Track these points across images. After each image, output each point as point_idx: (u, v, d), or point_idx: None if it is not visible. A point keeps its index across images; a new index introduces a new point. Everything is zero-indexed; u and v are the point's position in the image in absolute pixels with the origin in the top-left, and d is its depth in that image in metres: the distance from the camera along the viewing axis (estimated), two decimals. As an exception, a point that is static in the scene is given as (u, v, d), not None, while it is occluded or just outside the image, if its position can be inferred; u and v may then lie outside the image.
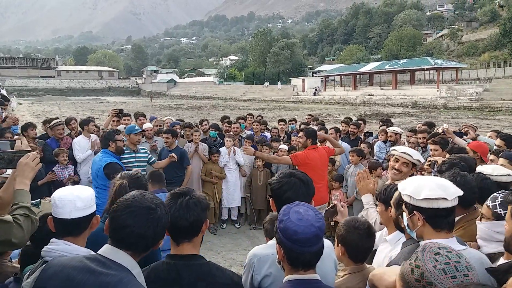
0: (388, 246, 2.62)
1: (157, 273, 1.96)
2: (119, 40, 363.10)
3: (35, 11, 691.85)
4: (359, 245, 2.39)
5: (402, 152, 3.67)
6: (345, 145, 7.32)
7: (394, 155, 3.80)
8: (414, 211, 2.02)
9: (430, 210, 1.97)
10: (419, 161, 3.53)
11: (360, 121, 8.67)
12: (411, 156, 3.60)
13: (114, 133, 5.38)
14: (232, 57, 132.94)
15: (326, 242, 2.35)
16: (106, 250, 1.75)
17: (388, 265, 2.21)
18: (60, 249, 1.97)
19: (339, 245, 2.44)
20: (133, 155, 5.96)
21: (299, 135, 6.40)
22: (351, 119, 9.23)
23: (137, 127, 6.27)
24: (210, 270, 2.00)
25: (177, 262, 1.97)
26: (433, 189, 1.96)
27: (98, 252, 1.76)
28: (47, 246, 2.01)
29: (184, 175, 6.91)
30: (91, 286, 1.61)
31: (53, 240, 2.03)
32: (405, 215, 2.11)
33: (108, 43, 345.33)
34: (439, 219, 1.99)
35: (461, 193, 2.02)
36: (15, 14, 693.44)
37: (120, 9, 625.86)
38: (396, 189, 2.49)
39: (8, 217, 1.96)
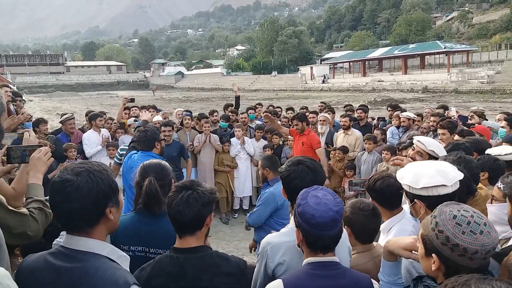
0: (382, 235, 2.62)
1: (161, 267, 1.96)
2: (126, 34, 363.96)
3: (43, 8, 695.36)
4: (364, 226, 2.45)
5: (417, 141, 3.57)
6: (357, 132, 7.28)
7: (413, 143, 3.73)
8: (415, 200, 2.01)
9: (431, 197, 1.95)
10: (433, 151, 3.37)
11: (364, 107, 8.51)
12: (424, 145, 3.48)
13: (158, 131, 4.38)
14: (239, 47, 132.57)
15: None
16: (66, 239, 1.59)
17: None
18: None
19: (345, 226, 2.46)
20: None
21: (294, 122, 6.58)
22: (351, 106, 9.29)
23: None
24: (213, 261, 1.98)
25: (180, 256, 1.96)
26: (432, 176, 1.94)
27: (62, 243, 1.61)
28: (56, 239, 2.07)
29: (184, 169, 6.88)
30: None
31: (62, 233, 2.02)
32: (407, 202, 2.11)
33: (115, 37, 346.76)
34: None
35: (461, 176, 1.99)
36: (24, 11, 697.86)
37: (126, 3, 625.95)
38: (379, 179, 2.55)
39: (24, 210, 1.99)
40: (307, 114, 8.70)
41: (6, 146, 2.17)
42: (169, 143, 6.14)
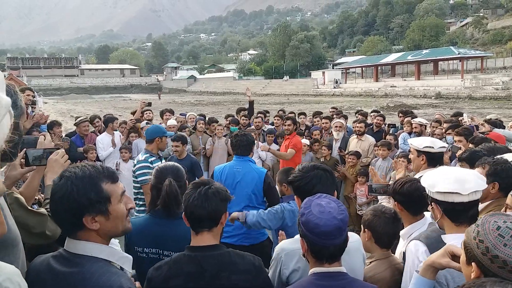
0: (401, 241, 2.62)
1: (179, 267, 1.96)
2: (140, 38, 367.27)
3: (58, 12, 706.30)
4: (386, 230, 2.43)
5: (411, 144, 3.60)
6: (370, 138, 7.25)
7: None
8: (432, 203, 2.02)
9: (446, 203, 1.94)
10: (428, 147, 3.41)
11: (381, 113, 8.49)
12: (417, 146, 3.49)
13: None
14: (251, 51, 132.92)
15: (354, 236, 2.32)
16: (67, 242, 1.57)
17: (407, 243, 2.19)
18: None
19: (366, 230, 2.46)
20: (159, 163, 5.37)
21: (287, 123, 6.62)
22: (363, 111, 9.28)
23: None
24: (231, 259, 1.99)
25: (198, 254, 1.97)
26: (450, 182, 1.92)
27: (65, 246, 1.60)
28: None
29: None
30: None
31: None
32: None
33: (129, 41, 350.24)
34: (457, 213, 1.95)
35: (482, 187, 1.95)
36: (39, 15, 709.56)
37: (140, 7, 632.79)
38: (407, 182, 2.55)
39: (43, 210, 2.02)
40: (317, 120, 8.72)
41: (25, 149, 2.21)
42: (181, 158, 5.73)
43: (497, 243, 1.37)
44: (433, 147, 3.38)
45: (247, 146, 4.10)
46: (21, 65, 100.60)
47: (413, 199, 2.45)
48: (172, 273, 1.95)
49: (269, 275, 2.23)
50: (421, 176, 2.21)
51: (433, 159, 3.41)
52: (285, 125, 6.72)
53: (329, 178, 2.34)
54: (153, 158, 4.47)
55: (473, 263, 1.45)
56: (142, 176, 4.30)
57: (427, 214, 2.49)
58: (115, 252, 1.60)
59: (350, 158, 6.93)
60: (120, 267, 1.58)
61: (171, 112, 8.56)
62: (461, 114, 7.22)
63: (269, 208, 3.36)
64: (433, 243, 2.02)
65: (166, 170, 2.70)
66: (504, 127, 5.75)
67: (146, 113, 8.02)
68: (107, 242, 1.60)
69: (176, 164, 2.84)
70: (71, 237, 1.55)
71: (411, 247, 2.09)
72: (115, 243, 1.71)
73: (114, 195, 1.55)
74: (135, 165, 4.47)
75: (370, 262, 2.42)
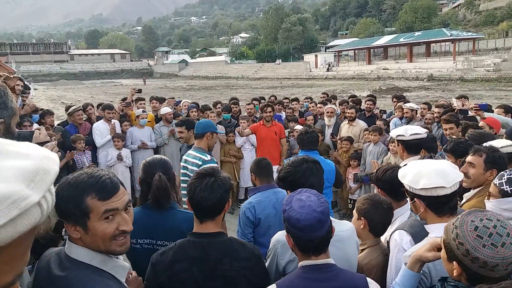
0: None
1: (183, 251, 2.04)
2: (130, 22, 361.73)
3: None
4: (382, 220, 2.49)
5: (397, 136, 3.55)
6: (361, 123, 7.32)
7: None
8: (415, 198, 2.06)
9: (430, 197, 2.00)
10: (416, 134, 3.38)
11: (373, 97, 8.48)
12: (404, 135, 3.44)
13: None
14: (243, 35, 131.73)
15: (348, 224, 2.39)
16: (67, 244, 1.56)
17: (391, 233, 2.25)
18: None
19: (361, 218, 2.50)
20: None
21: (268, 110, 6.90)
22: (356, 96, 9.31)
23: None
24: (233, 246, 2.08)
25: (202, 240, 2.05)
26: (432, 177, 1.98)
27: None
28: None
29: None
30: None
31: None
32: (408, 199, 2.18)
33: (119, 25, 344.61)
34: (440, 205, 2.02)
35: (461, 178, 2.03)
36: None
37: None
38: (389, 169, 2.63)
39: None
40: (312, 104, 8.78)
41: None
42: (189, 144, 4.98)
43: (476, 244, 1.40)
44: (404, 135, 3.38)
45: (316, 142, 4.35)
46: (9, 51, 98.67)
47: (395, 185, 2.51)
48: (177, 257, 2.02)
49: (266, 265, 2.30)
50: (405, 165, 2.27)
51: (410, 147, 3.41)
52: (266, 112, 6.88)
53: (320, 169, 2.42)
54: (208, 158, 4.17)
55: (454, 262, 1.48)
56: None
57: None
58: (108, 260, 1.53)
59: (343, 144, 7.02)
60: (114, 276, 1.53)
61: (159, 100, 8.45)
62: (466, 97, 7.04)
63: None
64: (417, 232, 2.08)
65: (154, 164, 2.71)
66: (492, 111, 5.76)
67: (141, 104, 7.96)
68: (101, 246, 1.55)
69: (164, 157, 2.86)
70: (70, 240, 1.53)
71: (395, 236, 2.14)
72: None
73: (95, 212, 1.44)
74: (200, 166, 4.02)
75: (362, 250, 2.49)
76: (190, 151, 4.35)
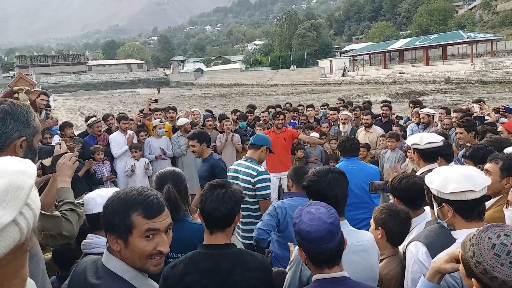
0: None
1: (195, 263, 2.05)
2: (146, 32, 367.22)
3: (65, 8, 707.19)
4: (400, 230, 2.47)
5: (412, 144, 3.51)
6: (378, 129, 7.26)
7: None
8: (443, 204, 2.04)
9: (459, 202, 1.97)
10: (431, 143, 3.34)
11: (389, 103, 8.45)
12: (419, 144, 3.37)
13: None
14: (257, 42, 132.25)
15: (368, 235, 2.38)
16: (104, 254, 1.65)
17: (407, 244, 2.22)
18: (92, 242, 2.30)
19: (379, 228, 2.49)
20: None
21: (280, 117, 7.01)
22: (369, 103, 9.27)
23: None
24: (243, 257, 2.09)
25: (213, 252, 2.07)
26: (460, 181, 1.95)
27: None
28: (84, 240, 2.32)
29: None
30: None
31: (89, 235, 2.35)
32: (435, 205, 2.12)
33: (135, 35, 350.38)
34: (468, 209, 1.99)
35: (489, 182, 2.01)
36: (46, 12, 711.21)
37: (145, 0, 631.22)
38: (404, 178, 2.62)
39: (56, 212, 2.13)
40: (328, 111, 8.76)
41: (40, 160, 2.34)
42: (204, 159, 4.77)
43: (494, 263, 1.37)
44: (419, 144, 3.33)
45: (357, 149, 4.58)
46: (29, 63, 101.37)
47: (411, 194, 2.50)
48: (188, 270, 2.04)
49: (288, 275, 2.30)
50: (422, 173, 2.26)
51: (426, 155, 3.34)
52: (278, 119, 6.98)
53: (345, 181, 2.41)
54: (263, 169, 4.18)
55: (473, 279, 1.45)
56: (264, 190, 4.04)
57: (427, 209, 2.54)
58: (140, 277, 1.59)
59: (361, 151, 6.96)
60: None
61: (174, 109, 8.49)
62: (482, 101, 6.96)
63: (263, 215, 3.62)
64: (433, 242, 2.06)
65: (165, 177, 2.75)
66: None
67: (156, 114, 8.04)
68: (137, 263, 1.62)
69: (176, 169, 2.91)
70: (108, 250, 1.62)
71: (411, 248, 2.13)
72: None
73: (138, 229, 1.52)
74: (255, 177, 4.04)
75: (381, 260, 2.47)
76: (241, 161, 4.32)
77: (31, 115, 1.87)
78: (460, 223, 2.03)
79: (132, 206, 1.52)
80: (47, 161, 2.33)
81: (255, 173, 4.06)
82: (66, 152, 2.38)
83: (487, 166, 2.86)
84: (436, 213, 2.15)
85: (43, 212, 2.07)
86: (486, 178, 2.03)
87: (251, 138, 4.51)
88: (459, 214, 2.01)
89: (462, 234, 1.97)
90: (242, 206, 4.14)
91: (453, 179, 1.98)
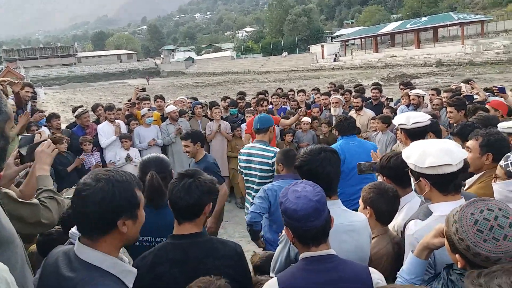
0: None
1: (164, 253, 2.02)
2: (135, 22, 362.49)
3: (52, 0, 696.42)
4: (389, 208, 2.47)
5: (399, 124, 3.46)
6: (369, 112, 7.24)
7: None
8: (420, 178, 2.04)
9: (436, 176, 1.97)
10: (418, 122, 3.28)
11: (379, 85, 8.43)
12: (406, 124, 3.33)
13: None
14: (248, 29, 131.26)
15: (361, 216, 2.38)
16: (76, 245, 1.60)
17: (405, 224, 2.21)
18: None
19: (368, 207, 2.49)
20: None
21: (264, 104, 6.97)
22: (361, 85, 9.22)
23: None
24: (213, 245, 2.06)
25: (183, 242, 2.03)
26: (438, 156, 1.96)
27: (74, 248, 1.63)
28: (71, 229, 2.29)
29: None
30: None
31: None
32: (412, 180, 2.14)
33: (124, 25, 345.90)
34: (445, 183, 2.00)
35: (465, 156, 2.01)
36: (32, 5, 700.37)
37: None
38: (393, 156, 2.63)
39: (34, 200, 2.09)
40: (317, 96, 8.71)
41: (17, 149, 2.28)
42: (197, 161, 4.54)
43: (477, 240, 1.36)
44: (406, 124, 3.28)
45: (354, 127, 4.63)
46: (17, 56, 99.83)
47: (400, 172, 2.48)
48: (157, 260, 2.01)
49: (277, 249, 2.32)
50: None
51: (413, 135, 3.26)
52: (262, 106, 6.94)
53: (337, 160, 2.39)
54: (277, 150, 4.16)
55: (457, 255, 1.45)
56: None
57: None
58: (117, 264, 1.58)
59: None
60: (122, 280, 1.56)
61: (162, 98, 8.36)
62: (471, 80, 6.96)
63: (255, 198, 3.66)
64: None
65: (149, 163, 2.73)
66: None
67: (144, 104, 7.94)
68: (116, 252, 1.62)
69: (160, 155, 2.88)
70: (83, 241, 1.57)
71: (411, 226, 2.10)
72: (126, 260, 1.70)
73: (141, 201, 1.65)
74: (272, 158, 4.12)
75: (373, 238, 2.47)
76: (253, 144, 4.44)
77: (2, 100, 1.80)
78: (437, 196, 2.04)
79: (133, 184, 1.61)
80: (24, 150, 2.27)
81: (272, 155, 4.18)
82: (44, 140, 2.32)
83: (468, 143, 2.88)
84: (413, 187, 2.16)
85: (20, 200, 2.02)
86: (463, 151, 2.04)
87: (255, 123, 4.51)
88: (436, 188, 2.02)
89: (438, 208, 2.01)
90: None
91: (430, 153, 1.98)
